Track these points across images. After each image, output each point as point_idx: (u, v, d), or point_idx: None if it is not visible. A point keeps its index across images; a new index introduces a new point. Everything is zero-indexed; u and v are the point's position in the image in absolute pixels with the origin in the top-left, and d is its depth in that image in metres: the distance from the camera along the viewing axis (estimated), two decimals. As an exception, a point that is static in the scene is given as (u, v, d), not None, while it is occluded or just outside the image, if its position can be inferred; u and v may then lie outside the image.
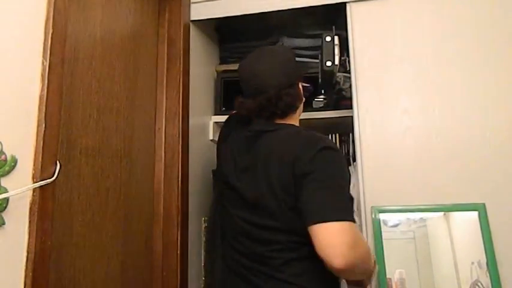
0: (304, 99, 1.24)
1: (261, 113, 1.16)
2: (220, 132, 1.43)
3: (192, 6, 1.63)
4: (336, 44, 1.38)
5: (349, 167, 1.66)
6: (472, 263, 1.22)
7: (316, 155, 1.00)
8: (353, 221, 0.94)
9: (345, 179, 1.03)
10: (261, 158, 1.09)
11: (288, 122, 1.18)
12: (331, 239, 0.89)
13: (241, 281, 1.09)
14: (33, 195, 0.81)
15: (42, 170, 0.82)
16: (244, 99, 1.21)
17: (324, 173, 0.99)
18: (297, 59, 1.76)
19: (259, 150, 1.12)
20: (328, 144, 1.04)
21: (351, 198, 1.02)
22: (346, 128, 1.61)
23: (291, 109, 1.18)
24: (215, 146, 1.76)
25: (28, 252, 0.79)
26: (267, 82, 1.14)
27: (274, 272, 1.03)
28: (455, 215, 1.29)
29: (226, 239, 1.20)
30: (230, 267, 1.15)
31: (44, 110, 0.84)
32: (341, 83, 1.61)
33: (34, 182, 0.81)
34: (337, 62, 1.38)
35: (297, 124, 1.22)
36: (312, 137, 1.08)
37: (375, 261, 1.10)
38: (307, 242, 0.95)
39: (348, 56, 1.50)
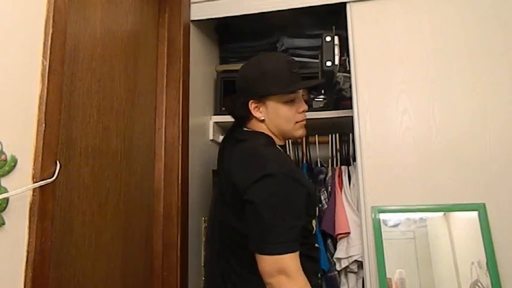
0: (262, 118, 1.20)
1: (234, 114, 1.28)
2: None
3: (192, 6, 1.63)
4: (336, 44, 1.38)
5: (349, 167, 1.67)
6: (472, 263, 1.22)
7: (256, 183, 1.02)
8: (292, 251, 0.98)
9: (287, 207, 1.02)
10: (224, 169, 1.19)
11: (256, 130, 1.21)
12: (264, 270, 0.98)
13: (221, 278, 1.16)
14: (33, 195, 0.81)
15: (42, 170, 0.82)
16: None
17: (263, 203, 1.01)
18: (297, 59, 1.77)
19: (225, 161, 1.21)
20: (270, 172, 1.03)
21: (292, 228, 1.01)
22: (346, 128, 1.61)
23: (239, 118, 1.26)
24: (215, 145, 1.77)
25: (28, 252, 0.79)
26: (239, 86, 1.25)
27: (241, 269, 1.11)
28: (455, 215, 1.29)
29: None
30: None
31: (44, 110, 0.84)
32: (341, 83, 1.61)
33: (34, 182, 0.81)
34: (337, 62, 1.37)
35: (267, 131, 1.21)
36: (259, 162, 1.08)
37: None
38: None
39: (348, 56, 1.50)
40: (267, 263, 0.98)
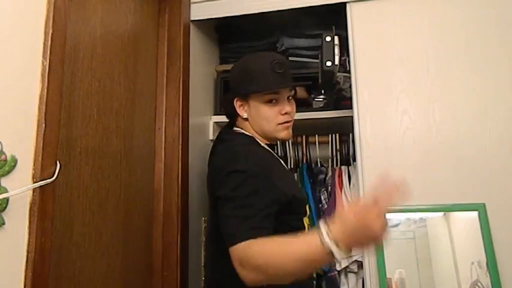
0: (245, 116, 1.22)
1: (225, 111, 1.31)
2: None
3: (192, 6, 1.63)
4: (336, 44, 1.38)
5: (349, 167, 1.66)
6: (472, 263, 1.22)
7: (223, 179, 1.05)
8: (244, 239, 0.92)
9: (252, 196, 1.00)
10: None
11: (243, 129, 1.23)
12: (234, 262, 0.93)
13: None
14: (33, 195, 0.81)
15: (42, 170, 0.82)
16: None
17: (224, 197, 1.03)
18: (297, 59, 1.78)
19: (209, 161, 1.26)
20: (237, 168, 1.04)
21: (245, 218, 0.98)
22: (346, 128, 1.61)
23: (228, 115, 1.29)
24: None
25: (28, 252, 0.79)
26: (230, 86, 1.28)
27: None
28: (455, 215, 1.29)
29: None
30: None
31: (44, 110, 0.84)
32: (341, 83, 1.61)
33: (34, 182, 0.81)
34: (337, 62, 1.37)
35: (251, 130, 1.22)
36: (229, 160, 1.09)
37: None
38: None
39: (348, 56, 1.50)
40: (232, 253, 0.93)
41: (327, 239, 0.80)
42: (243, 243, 0.92)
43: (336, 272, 1.56)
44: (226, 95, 1.29)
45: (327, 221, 0.85)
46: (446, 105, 1.35)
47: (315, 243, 0.82)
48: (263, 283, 0.91)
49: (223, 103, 1.32)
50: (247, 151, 1.12)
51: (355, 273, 1.55)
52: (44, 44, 0.86)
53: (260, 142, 1.21)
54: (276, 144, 1.31)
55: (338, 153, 1.75)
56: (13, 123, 0.79)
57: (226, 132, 1.28)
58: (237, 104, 1.21)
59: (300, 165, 1.78)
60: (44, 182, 0.82)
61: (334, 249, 0.80)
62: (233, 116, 1.25)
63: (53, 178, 0.84)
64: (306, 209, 1.25)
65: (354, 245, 0.82)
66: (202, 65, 1.74)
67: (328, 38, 1.39)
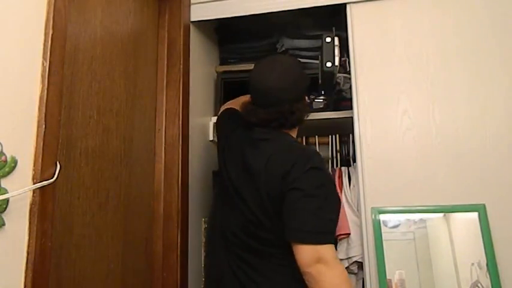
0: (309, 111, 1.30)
1: (271, 123, 1.21)
2: (227, 118, 1.46)
3: (192, 7, 1.63)
4: (336, 45, 1.38)
5: (349, 168, 1.67)
6: (472, 263, 1.22)
7: (303, 175, 1.06)
8: (330, 243, 1.02)
9: (328, 200, 1.07)
10: (257, 166, 1.15)
11: (284, 131, 1.24)
12: (303, 260, 0.99)
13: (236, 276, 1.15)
14: (33, 196, 0.81)
15: (42, 171, 0.82)
16: (255, 107, 1.24)
17: (308, 194, 1.05)
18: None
19: (257, 158, 1.17)
20: (316, 165, 1.09)
21: (331, 220, 1.07)
22: (346, 128, 1.61)
23: (300, 123, 1.26)
24: (215, 146, 1.77)
25: (28, 253, 0.79)
26: (282, 96, 1.20)
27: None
28: (455, 216, 1.29)
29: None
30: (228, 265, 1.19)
31: (44, 111, 0.84)
32: (341, 83, 1.61)
33: (34, 183, 0.81)
34: (337, 63, 1.37)
35: (294, 134, 1.27)
36: (303, 155, 1.13)
37: None
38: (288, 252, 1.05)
39: (348, 56, 1.50)
40: (307, 252, 1.00)
41: None
42: (326, 245, 1.01)
43: (336, 273, 1.56)
44: (296, 103, 1.22)
45: None
46: (446, 106, 1.35)
47: None
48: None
49: (287, 113, 1.21)
50: (314, 150, 1.21)
51: (355, 274, 1.54)
52: (44, 45, 0.86)
53: None
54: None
55: (338, 154, 1.75)
56: (13, 124, 0.79)
57: (262, 132, 1.23)
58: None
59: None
60: (44, 182, 0.82)
61: None
62: (301, 122, 1.26)
63: (53, 179, 0.84)
64: None
65: None
66: (202, 66, 1.74)
67: (328, 39, 1.39)
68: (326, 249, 1.00)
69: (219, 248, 1.23)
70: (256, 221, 1.13)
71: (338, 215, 1.11)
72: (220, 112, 1.53)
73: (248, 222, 1.15)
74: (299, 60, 1.33)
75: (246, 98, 1.36)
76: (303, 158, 1.10)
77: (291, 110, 1.19)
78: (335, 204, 1.11)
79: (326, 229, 1.03)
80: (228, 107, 1.51)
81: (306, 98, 1.30)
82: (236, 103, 1.49)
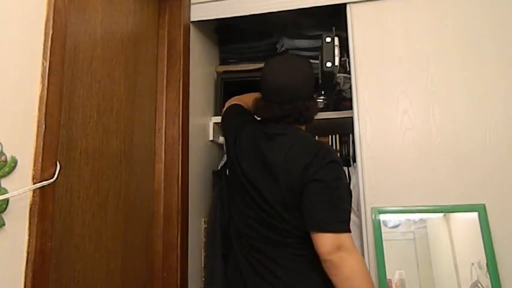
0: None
1: (286, 118, 1.25)
2: (235, 114, 1.48)
3: (192, 7, 1.63)
4: (336, 45, 1.38)
5: (349, 168, 1.67)
6: (472, 263, 1.22)
7: (323, 167, 1.11)
8: (349, 231, 1.07)
9: (346, 192, 1.15)
10: (274, 159, 1.19)
11: (296, 126, 1.28)
12: (324, 247, 1.03)
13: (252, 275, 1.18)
14: (33, 196, 0.81)
15: (42, 171, 0.82)
16: (268, 103, 1.27)
17: (329, 185, 1.10)
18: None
19: (274, 151, 1.20)
20: (334, 158, 1.15)
21: (348, 210, 1.13)
22: (346, 128, 1.61)
23: (312, 120, 1.31)
24: (215, 146, 1.77)
25: (28, 253, 0.79)
26: (297, 94, 1.25)
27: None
28: (456, 216, 1.29)
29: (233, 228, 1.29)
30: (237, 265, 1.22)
31: (44, 111, 0.84)
32: (341, 83, 1.61)
33: (34, 183, 0.81)
34: (337, 63, 1.37)
35: (303, 129, 1.33)
36: (322, 149, 1.17)
37: None
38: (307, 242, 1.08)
39: (348, 56, 1.50)
40: (328, 240, 1.04)
41: None
42: (346, 234, 1.06)
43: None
44: (308, 101, 1.28)
45: None
46: (446, 106, 1.35)
47: None
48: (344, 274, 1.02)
49: (303, 109, 1.26)
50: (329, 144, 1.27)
51: (355, 274, 1.54)
52: (44, 45, 0.86)
53: None
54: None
55: (338, 154, 1.75)
56: (13, 124, 0.79)
57: (275, 127, 1.26)
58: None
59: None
60: (44, 182, 0.82)
61: None
62: (313, 119, 1.31)
63: (53, 179, 0.84)
64: None
65: None
66: (203, 66, 1.74)
67: (328, 39, 1.39)
68: (346, 237, 1.05)
69: (233, 244, 1.26)
70: (273, 211, 1.16)
71: (351, 205, 1.17)
72: (225, 109, 1.54)
73: (264, 213, 1.18)
74: (309, 60, 1.36)
75: (252, 95, 1.39)
76: (322, 152, 1.15)
77: (305, 106, 1.25)
78: (350, 195, 1.17)
79: (345, 218, 1.09)
80: (233, 103, 1.53)
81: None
82: (241, 100, 1.52)
